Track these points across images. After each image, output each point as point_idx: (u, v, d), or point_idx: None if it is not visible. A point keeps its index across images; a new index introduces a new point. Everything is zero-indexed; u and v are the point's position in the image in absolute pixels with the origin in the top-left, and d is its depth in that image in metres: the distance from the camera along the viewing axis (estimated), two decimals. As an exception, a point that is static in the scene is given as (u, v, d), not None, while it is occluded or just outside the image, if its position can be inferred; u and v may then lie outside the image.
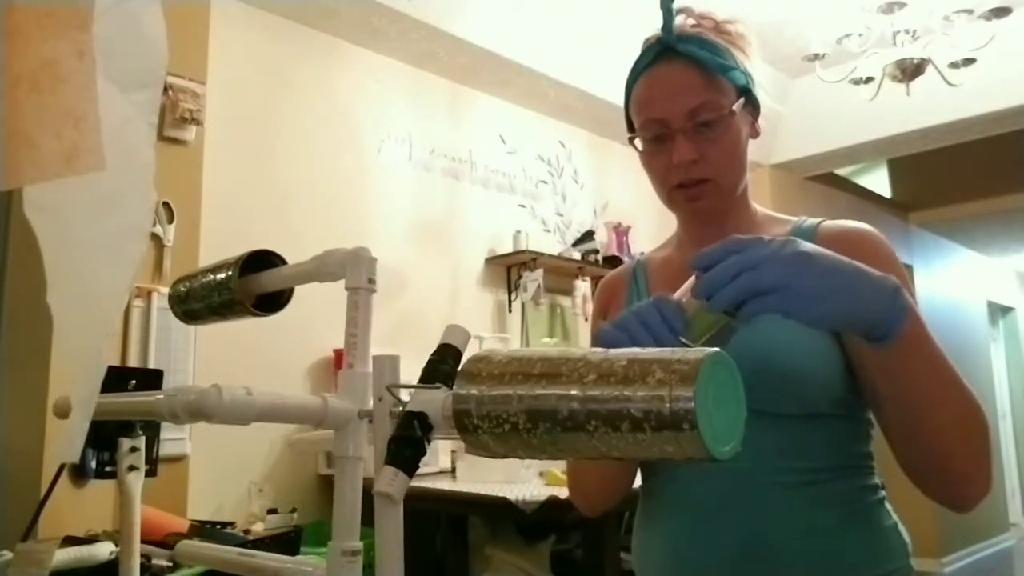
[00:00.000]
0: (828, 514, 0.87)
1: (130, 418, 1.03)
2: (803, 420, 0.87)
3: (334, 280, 0.83)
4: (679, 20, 0.96)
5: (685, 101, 0.91)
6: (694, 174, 0.92)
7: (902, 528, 0.92)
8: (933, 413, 0.75)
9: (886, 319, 0.69)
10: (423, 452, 0.65)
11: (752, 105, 0.97)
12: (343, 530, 0.72)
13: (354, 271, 0.79)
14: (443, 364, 0.69)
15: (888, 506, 0.93)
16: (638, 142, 0.97)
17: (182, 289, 1.00)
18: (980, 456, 0.77)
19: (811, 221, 0.98)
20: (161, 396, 0.70)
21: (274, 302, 0.96)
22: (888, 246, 0.93)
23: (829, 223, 0.97)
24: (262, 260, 0.93)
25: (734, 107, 0.92)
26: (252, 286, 0.92)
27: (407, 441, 0.65)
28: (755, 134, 0.99)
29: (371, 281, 0.79)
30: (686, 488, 0.92)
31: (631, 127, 0.99)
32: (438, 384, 0.66)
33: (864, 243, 0.92)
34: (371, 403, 0.75)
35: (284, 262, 0.93)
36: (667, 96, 0.92)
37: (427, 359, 0.71)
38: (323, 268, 0.82)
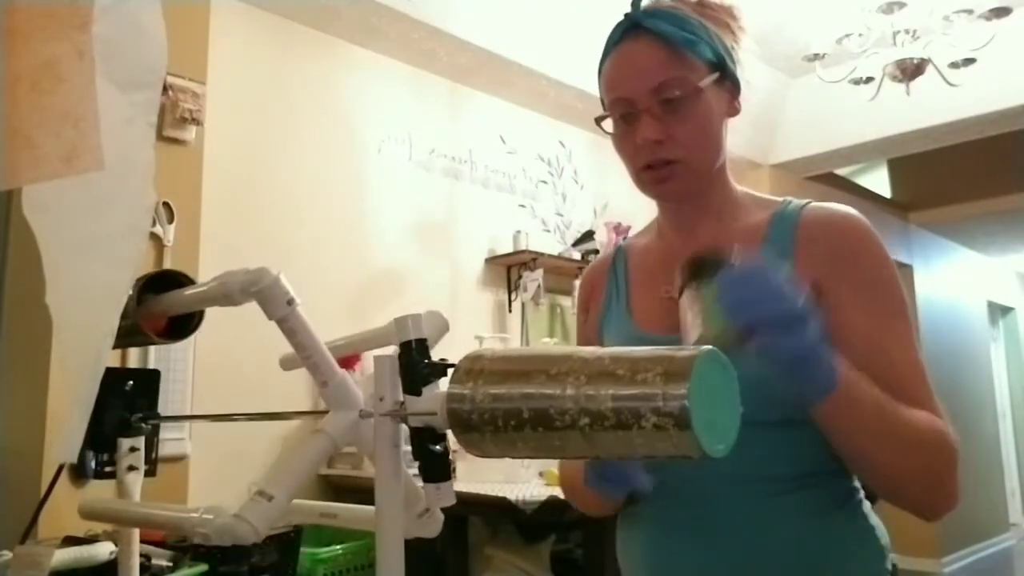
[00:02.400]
0: (805, 522, 0.85)
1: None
2: (778, 427, 0.85)
3: (238, 305, 0.77)
4: None
5: (649, 78, 0.87)
6: (661, 154, 0.89)
7: (880, 531, 0.91)
8: (872, 462, 0.79)
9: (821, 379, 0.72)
10: (448, 453, 0.68)
11: (730, 81, 0.92)
12: (278, 479, 0.71)
13: (270, 302, 0.73)
14: (420, 365, 0.67)
15: (865, 509, 0.91)
16: (608, 123, 0.94)
17: None
18: (934, 488, 0.80)
19: (796, 204, 0.93)
20: (195, 516, 0.70)
21: (186, 327, 0.89)
22: (875, 236, 0.89)
23: (814, 206, 0.92)
24: (168, 281, 0.86)
25: (702, 83, 0.88)
26: (155, 310, 0.86)
27: (430, 457, 0.67)
28: (733, 112, 0.94)
29: (291, 303, 0.73)
30: (665, 495, 0.90)
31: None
32: (433, 411, 0.65)
33: (851, 232, 0.89)
34: (362, 400, 0.75)
35: (191, 282, 0.88)
36: (632, 74, 0.89)
37: (402, 363, 0.69)
38: (225, 294, 0.75)
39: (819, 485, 0.87)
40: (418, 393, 0.66)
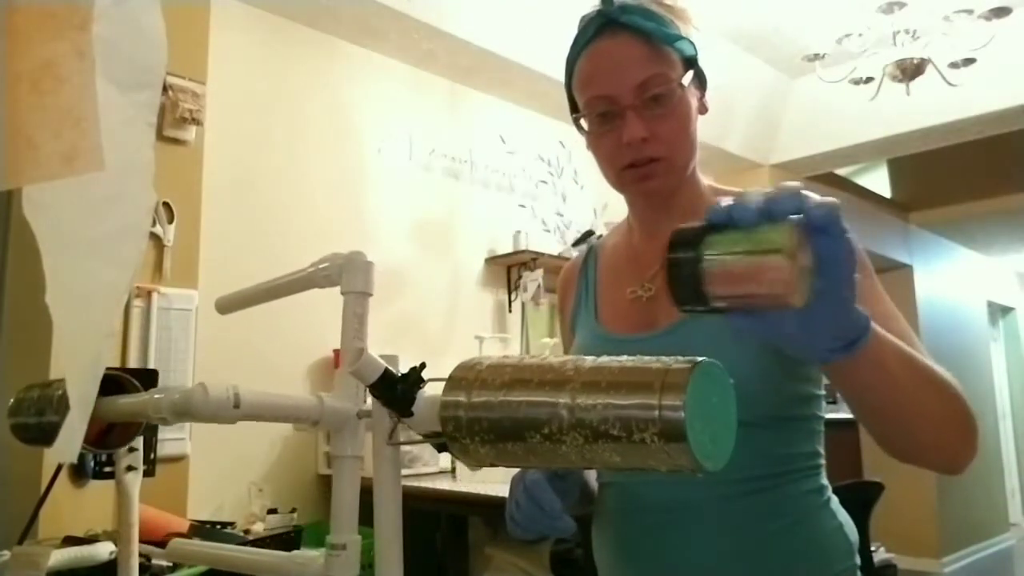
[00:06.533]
0: (770, 524, 0.85)
1: (122, 419, 0.93)
2: (747, 427, 0.80)
3: (173, 424, 0.72)
4: None
5: (633, 75, 0.86)
6: (646, 152, 0.87)
7: (849, 527, 0.90)
8: (907, 415, 0.68)
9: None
10: None
11: (699, 79, 0.92)
12: (340, 526, 0.72)
13: (219, 418, 0.65)
14: (397, 391, 0.66)
15: (833, 507, 0.90)
16: (584, 122, 0.92)
17: (31, 396, 0.85)
18: (963, 433, 0.71)
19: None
20: (289, 562, 0.70)
21: (126, 434, 0.84)
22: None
23: None
24: (116, 382, 0.79)
25: (683, 80, 0.87)
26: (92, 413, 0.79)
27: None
28: (703, 110, 0.94)
29: (237, 404, 0.65)
30: (630, 496, 0.91)
31: (575, 107, 0.94)
32: (437, 432, 0.62)
33: None
34: (349, 404, 0.74)
35: (137, 389, 0.81)
36: (613, 70, 0.87)
37: (380, 398, 0.68)
38: (157, 414, 0.69)
39: (789, 484, 0.87)
40: (411, 414, 0.66)
